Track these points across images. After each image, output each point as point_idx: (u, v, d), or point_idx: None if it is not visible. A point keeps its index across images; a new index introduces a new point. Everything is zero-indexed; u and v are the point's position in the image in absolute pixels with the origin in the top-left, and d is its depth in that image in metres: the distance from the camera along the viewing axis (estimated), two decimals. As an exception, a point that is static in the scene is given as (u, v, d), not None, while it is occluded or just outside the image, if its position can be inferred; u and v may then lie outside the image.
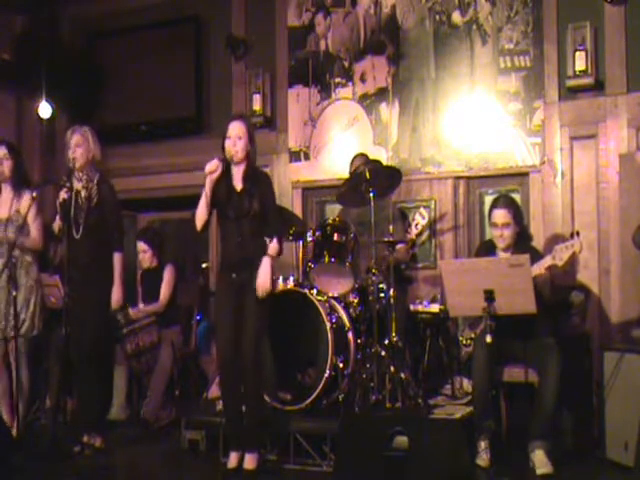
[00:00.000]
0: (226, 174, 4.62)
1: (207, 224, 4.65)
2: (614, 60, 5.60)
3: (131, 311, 6.00)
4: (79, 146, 5.07)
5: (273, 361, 5.05)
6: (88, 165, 5.10)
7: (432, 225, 6.18)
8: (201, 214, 4.58)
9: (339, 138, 6.53)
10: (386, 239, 5.11)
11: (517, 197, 5.83)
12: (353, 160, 5.78)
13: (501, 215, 4.75)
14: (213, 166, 4.51)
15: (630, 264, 5.37)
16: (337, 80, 6.56)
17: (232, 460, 4.56)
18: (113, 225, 5.12)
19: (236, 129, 4.58)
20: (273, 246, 4.57)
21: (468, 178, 6.13)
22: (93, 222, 5.03)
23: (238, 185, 4.62)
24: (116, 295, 5.06)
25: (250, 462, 4.51)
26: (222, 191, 4.59)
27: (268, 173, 5.15)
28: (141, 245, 6.28)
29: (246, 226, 4.56)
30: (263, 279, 4.51)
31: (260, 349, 4.59)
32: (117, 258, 5.08)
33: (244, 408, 4.58)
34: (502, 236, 4.75)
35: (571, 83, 5.66)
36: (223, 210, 4.62)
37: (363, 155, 5.77)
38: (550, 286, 4.53)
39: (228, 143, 4.56)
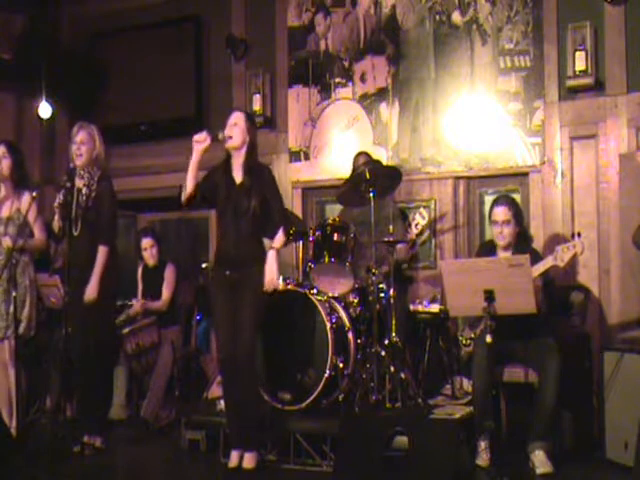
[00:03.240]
0: (226, 165, 4.65)
1: (192, 199, 4.66)
2: (614, 60, 5.59)
3: (134, 302, 6.01)
4: (84, 144, 5.05)
5: (273, 361, 5.04)
6: (91, 163, 5.09)
7: (432, 225, 6.18)
8: (187, 185, 4.63)
9: (339, 138, 6.52)
10: (386, 239, 5.11)
11: (517, 197, 5.83)
12: (356, 157, 5.74)
13: (501, 212, 4.76)
14: (201, 136, 4.60)
15: (630, 264, 5.37)
16: (337, 80, 6.55)
17: (233, 459, 4.56)
18: (105, 220, 5.05)
19: (232, 117, 4.68)
20: (278, 237, 4.60)
21: (468, 178, 6.13)
22: (90, 219, 5.01)
23: (238, 177, 4.63)
24: (90, 289, 4.93)
25: (249, 461, 4.51)
26: (222, 184, 4.61)
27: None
28: (148, 241, 6.27)
29: (244, 225, 4.57)
30: (270, 275, 4.54)
31: (255, 346, 4.60)
32: (102, 251, 4.98)
33: (241, 406, 4.57)
34: (502, 233, 4.74)
35: (571, 83, 5.65)
36: (222, 207, 4.62)
37: (366, 153, 5.74)
38: (543, 295, 4.48)
39: (225, 130, 4.63)
